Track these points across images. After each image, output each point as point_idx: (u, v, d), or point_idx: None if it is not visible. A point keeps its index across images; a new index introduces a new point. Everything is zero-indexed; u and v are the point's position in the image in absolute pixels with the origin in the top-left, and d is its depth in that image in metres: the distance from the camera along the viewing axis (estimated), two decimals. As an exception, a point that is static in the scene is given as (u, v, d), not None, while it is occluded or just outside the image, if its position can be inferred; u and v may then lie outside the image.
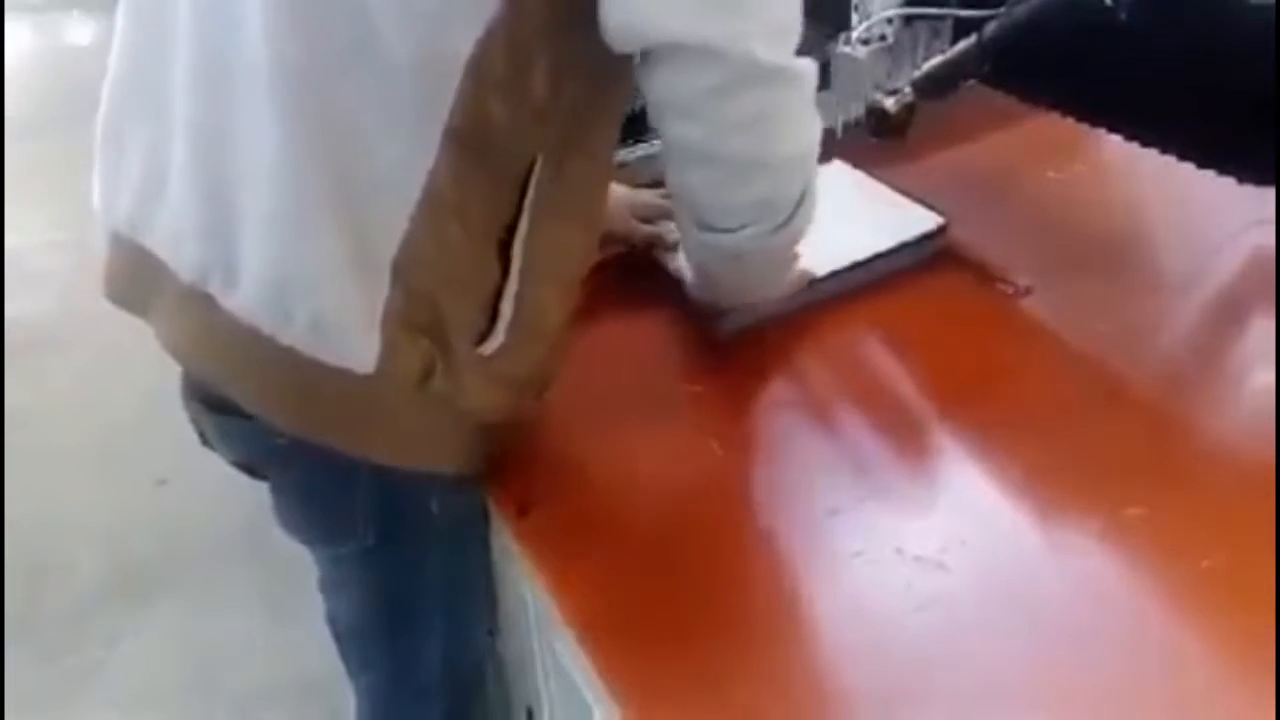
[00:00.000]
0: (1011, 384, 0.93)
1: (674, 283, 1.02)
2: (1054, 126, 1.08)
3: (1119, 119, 1.02)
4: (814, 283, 1.01)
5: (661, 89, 0.66)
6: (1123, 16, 0.88)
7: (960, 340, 0.99)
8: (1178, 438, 0.87)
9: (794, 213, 0.74)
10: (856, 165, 1.18)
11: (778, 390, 0.95)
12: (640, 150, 1.08)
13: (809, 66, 0.69)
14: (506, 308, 0.72)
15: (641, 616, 0.74)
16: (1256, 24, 0.86)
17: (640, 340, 1.01)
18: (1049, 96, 1.07)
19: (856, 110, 1.09)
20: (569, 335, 0.81)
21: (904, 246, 1.06)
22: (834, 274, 1.02)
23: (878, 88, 1.04)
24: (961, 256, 1.07)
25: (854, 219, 1.10)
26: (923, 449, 0.87)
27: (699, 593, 0.75)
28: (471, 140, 0.66)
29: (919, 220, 1.08)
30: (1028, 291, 1.02)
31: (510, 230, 0.71)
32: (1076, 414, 0.89)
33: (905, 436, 0.88)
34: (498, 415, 0.79)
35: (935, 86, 1.00)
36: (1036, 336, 1.00)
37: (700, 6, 0.62)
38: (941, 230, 1.07)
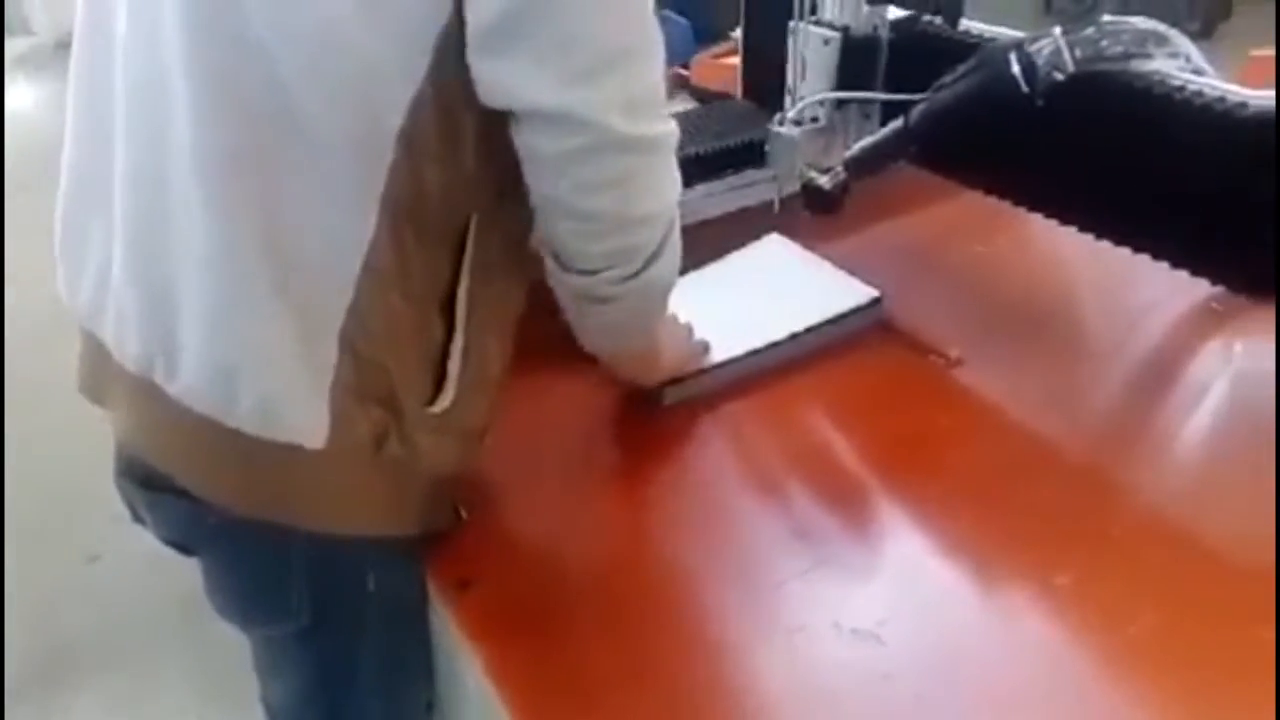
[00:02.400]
0: (945, 454, 0.95)
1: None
2: (983, 201, 1.12)
3: (1037, 199, 1.06)
4: (752, 354, 1.04)
5: (529, 147, 0.69)
6: (1039, 103, 0.92)
7: (894, 411, 1.01)
8: (1104, 504, 0.89)
9: (648, 264, 0.76)
10: (794, 238, 1.22)
11: (719, 462, 0.96)
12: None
13: (668, 134, 0.72)
14: (454, 364, 0.74)
15: (582, 696, 0.73)
16: (1166, 110, 0.91)
17: (581, 413, 1.02)
18: (971, 177, 1.12)
19: (792, 186, 1.12)
20: (507, 380, 0.82)
21: (839, 319, 1.08)
22: (771, 345, 1.04)
23: (812, 166, 1.08)
24: (895, 328, 1.10)
25: (790, 292, 1.13)
26: (860, 520, 0.88)
27: (642, 672, 0.75)
28: (409, 209, 0.68)
29: (853, 293, 1.11)
30: (959, 362, 1.05)
31: (452, 288, 0.72)
32: (1007, 482, 0.91)
33: (842, 508, 0.89)
34: (450, 468, 0.80)
35: (865, 166, 1.04)
36: (968, 406, 1.02)
37: (561, 79, 0.65)
38: (875, 303, 1.10)
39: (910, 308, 1.12)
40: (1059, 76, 0.92)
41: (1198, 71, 0.94)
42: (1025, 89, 0.93)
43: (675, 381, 1.00)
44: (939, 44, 1.10)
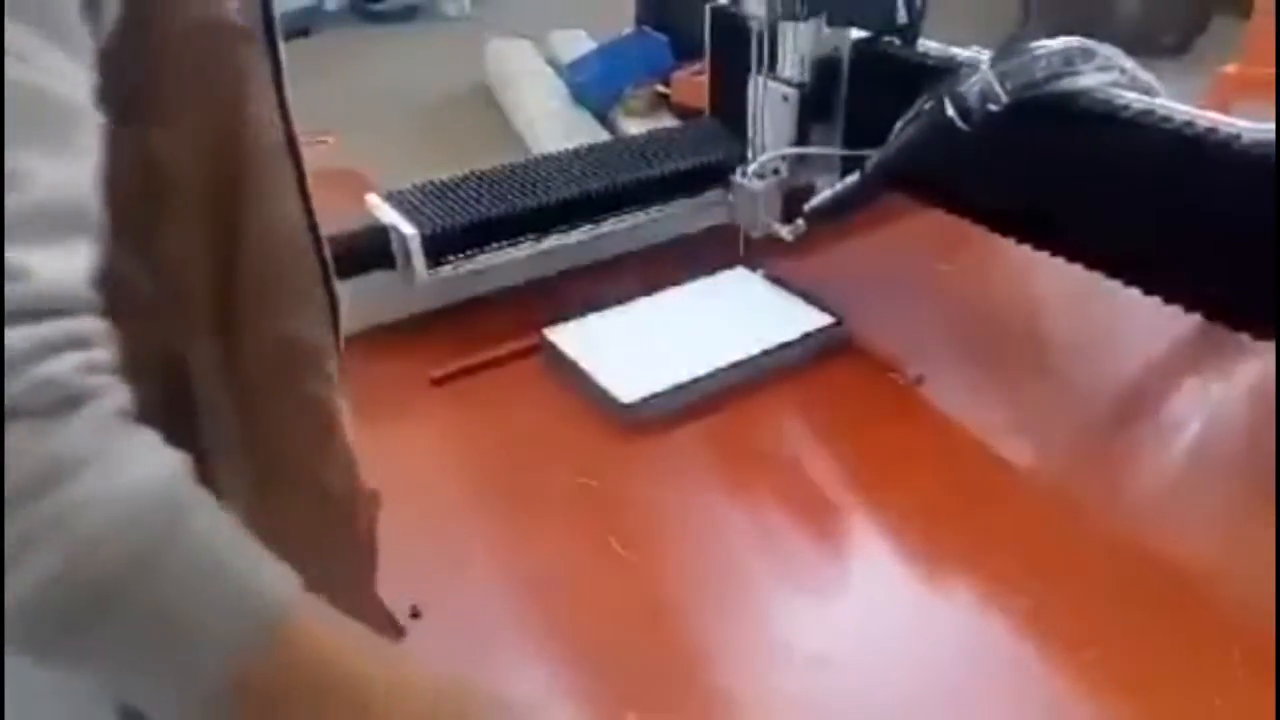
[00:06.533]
0: (904, 473, 0.96)
1: (579, 376, 1.05)
2: (945, 220, 1.13)
3: (994, 220, 1.08)
4: (713, 374, 1.05)
5: None
6: (981, 138, 0.93)
7: (855, 431, 1.01)
8: (1065, 525, 0.89)
9: None
10: (760, 253, 1.23)
11: (680, 482, 0.96)
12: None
13: None
14: None
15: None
16: (1107, 130, 0.92)
17: (540, 435, 1.02)
18: (931, 197, 1.14)
19: (757, 235, 1.15)
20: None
21: (802, 340, 1.11)
22: (733, 365, 1.06)
23: (774, 217, 1.11)
24: (857, 347, 1.11)
25: (753, 317, 1.16)
26: (820, 540, 0.90)
27: (599, 696, 0.75)
28: None
29: (814, 316, 1.14)
30: (919, 381, 1.06)
31: None
32: (966, 502, 0.91)
33: (802, 528, 0.90)
34: None
35: (824, 217, 1.08)
36: (927, 425, 1.03)
37: None
38: (834, 325, 1.12)
39: (873, 326, 1.12)
40: (994, 109, 0.93)
41: (1135, 81, 0.95)
42: (965, 128, 0.94)
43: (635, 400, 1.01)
44: (898, 64, 1.11)
